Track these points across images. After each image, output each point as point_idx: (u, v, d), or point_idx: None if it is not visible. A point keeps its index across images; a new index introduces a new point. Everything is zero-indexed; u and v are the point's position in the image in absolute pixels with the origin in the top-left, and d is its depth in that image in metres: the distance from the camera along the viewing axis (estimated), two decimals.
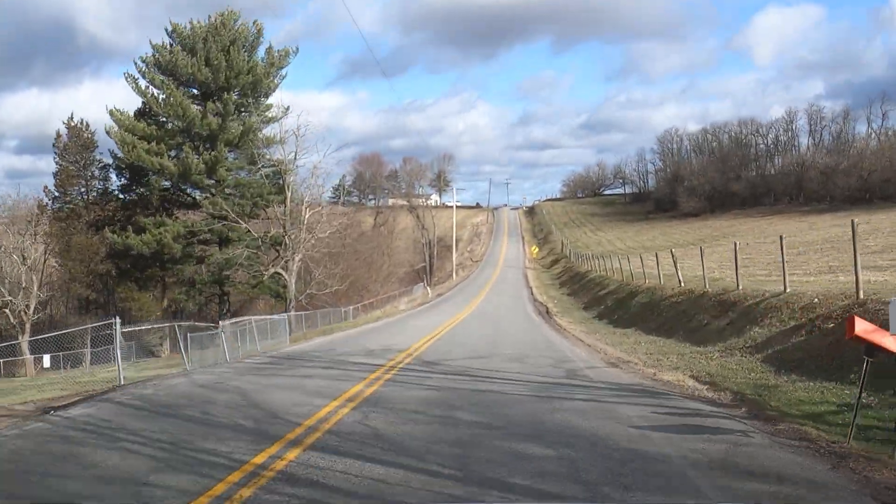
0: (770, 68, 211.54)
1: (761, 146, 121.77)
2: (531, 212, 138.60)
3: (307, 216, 39.37)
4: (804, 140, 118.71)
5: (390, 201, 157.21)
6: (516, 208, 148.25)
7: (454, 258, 69.00)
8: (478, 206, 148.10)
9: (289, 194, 39.36)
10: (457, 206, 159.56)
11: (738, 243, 21.98)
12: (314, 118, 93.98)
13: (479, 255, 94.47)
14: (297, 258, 38.55)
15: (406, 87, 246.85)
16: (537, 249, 78.99)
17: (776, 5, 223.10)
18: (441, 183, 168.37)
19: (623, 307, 29.11)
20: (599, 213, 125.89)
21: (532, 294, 46.22)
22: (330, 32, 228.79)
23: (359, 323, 32.50)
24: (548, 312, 33.30)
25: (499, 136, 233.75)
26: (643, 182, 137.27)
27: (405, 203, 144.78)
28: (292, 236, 38.20)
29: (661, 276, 28.90)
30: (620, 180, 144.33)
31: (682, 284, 24.97)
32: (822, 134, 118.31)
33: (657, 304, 24.44)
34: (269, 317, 24.19)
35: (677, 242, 71.88)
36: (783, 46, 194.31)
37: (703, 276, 22.88)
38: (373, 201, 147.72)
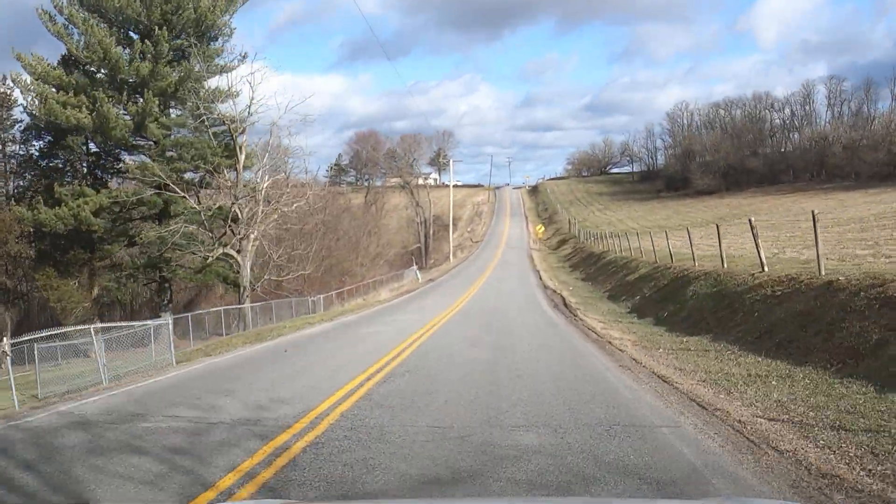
0: (773, 50, 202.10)
1: (777, 121, 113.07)
2: (534, 191, 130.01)
3: (266, 185, 31.12)
4: (822, 115, 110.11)
5: (390, 181, 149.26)
6: (519, 188, 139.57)
7: (451, 238, 60.82)
8: (479, 185, 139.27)
9: (241, 157, 31.06)
10: (457, 186, 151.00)
11: (814, 217, 13.56)
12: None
13: (480, 235, 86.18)
14: (252, 236, 30.29)
15: (408, 69, 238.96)
16: (543, 229, 70.60)
17: None
18: (440, 161, 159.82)
19: (672, 299, 20.80)
20: (606, 191, 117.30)
21: (541, 279, 37.94)
22: (331, 15, 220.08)
23: (312, 321, 24.17)
24: (565, 304, 25.02)
25: (501, 117, 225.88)
26: (652, 160, 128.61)
27: (400, 181, 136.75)
28: (246, 210, 29.94)
29: (724, 257, 20.59)
30: (628, 158, 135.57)
31: (765, 269, 16.73)
32: (841, 108, 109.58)
33: (737, 299, 16.11)
34: (132, 324, 15.83)
35: (695, 221, 63.65)
36: (787, 28, 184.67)
37: (792, 259, 14.77)
38: (370, 181, 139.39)
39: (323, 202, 45.33)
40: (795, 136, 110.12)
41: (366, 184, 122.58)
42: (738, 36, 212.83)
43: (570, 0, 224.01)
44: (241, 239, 29.69)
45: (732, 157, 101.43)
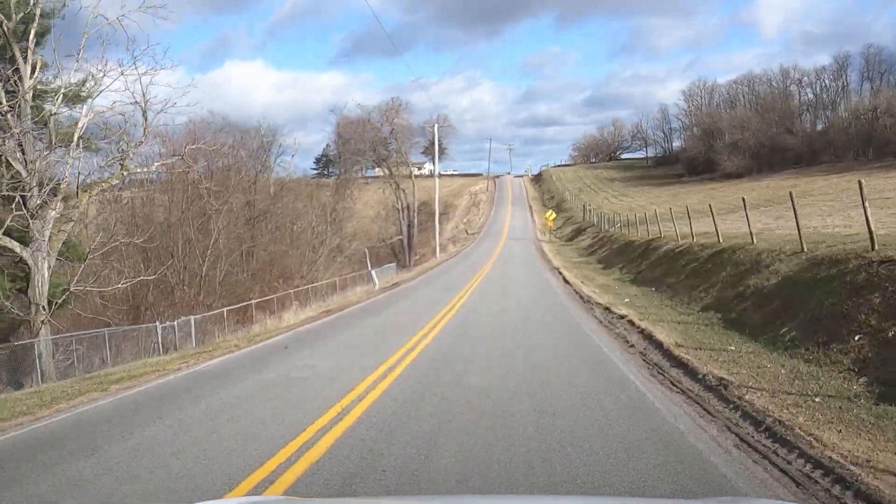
0: (776, 42, 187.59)
1: (807, 96, 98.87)
2: (538, 179, 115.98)
3: (84, 121, 17.36)
4: (857, 88, 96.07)
5: (376, 170, 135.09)
6: (521, 176, 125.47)
7: (438, 228, 47.02)
8: (477, 175, 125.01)
9: (26, 65, 17.33)
10: (454, 175, 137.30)
11: None
12: None
13: (478, 225, 72.31)
14: (51, 214, 16.43)
15: (409, 65, 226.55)
16: (553, 216, 56.52)
17: None
18: (435, 149, 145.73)
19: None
20: (619, 177, 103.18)
21: (566, 282, 24.25)
22: (331, 11, 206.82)
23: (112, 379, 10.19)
24: (665, 352, 10.97)
25: (502, 112, 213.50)
26: (667, 142, 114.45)
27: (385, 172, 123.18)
28: (39, 162, 16.16)
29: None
30: (640, 142, 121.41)
31: None
32: (881, 80, 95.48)
33: None
34: None
35: (736, 205, 50.02)
36: (789, 19, 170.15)
37: None
38: (343, 168, 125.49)
39: (249, 180, 31.89)
40: (829, 112, 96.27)
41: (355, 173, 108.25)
42: (739, 28, 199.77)
43: None
44: (34, 217, 15.81)
45: (763, 135, 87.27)
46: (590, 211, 60.91)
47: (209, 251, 24.62)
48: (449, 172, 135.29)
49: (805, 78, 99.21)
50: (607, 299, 17.36)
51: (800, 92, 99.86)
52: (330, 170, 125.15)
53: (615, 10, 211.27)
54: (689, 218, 25.28)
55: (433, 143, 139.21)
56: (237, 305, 24.24)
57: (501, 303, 18.57)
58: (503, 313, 16.12)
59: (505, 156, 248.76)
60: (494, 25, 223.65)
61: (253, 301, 24.33)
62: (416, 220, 53.75)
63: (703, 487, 4.72)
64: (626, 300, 17.56)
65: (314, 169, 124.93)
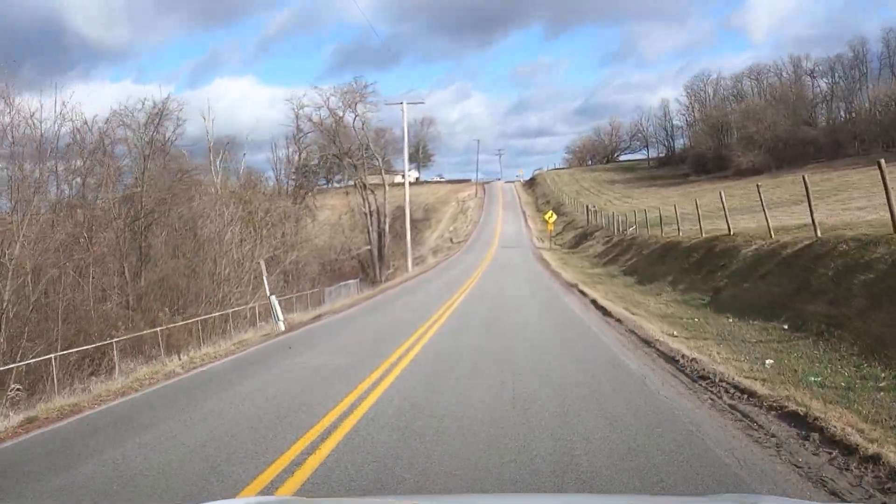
0: (766, 46, 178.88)
1: (820, 86, 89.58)
2: (532, 183, 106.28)
3: None
4: (876, 75, 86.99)
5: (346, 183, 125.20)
6: (512, 181, 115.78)
7: (409, 237, 36.85)
8: (465, 181, 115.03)
9: None
10: (440, 181, 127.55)
11: None
12: None
13: (464, 234, 62.38)
14: None
15: (399, 78, 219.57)
16: (554, 217, 46.26)
17: None
18: (421, 156, 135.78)
19: None
20: (619, 179, 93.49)
21: (606, 312, 14.31)
22: (320, 25, 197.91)
23: None
24: None
25: (492, 123, 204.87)
26: (669, 140, 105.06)
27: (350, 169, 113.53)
28: None
29: None
30: (640, 142, 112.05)
31: None
32: None
33: None
34: None
35: (767, 202, 40.52)
36: (780, 23, 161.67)
37: None
38: (340, 182, 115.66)
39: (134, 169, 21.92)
40: (842, 103, 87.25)
41: (336, 185, 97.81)
42: (730, 33, 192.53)
43: (563, 2, 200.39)
44: None
45: (779, 128, 77.90)
46: (595, 213, 51.18)
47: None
48: (436, 179, 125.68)
49: (818, 67, 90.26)
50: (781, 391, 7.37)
51: (813, 82, 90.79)
52: (313, 181, 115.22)
53: (605, 17, 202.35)
54: (726, 214, 18.44)
55: (418, 149, 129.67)
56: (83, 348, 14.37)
57: (495, 371, 8.61)
58: (500, 432, 6.15)
59: (495, 166, 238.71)
60: (484, 36, 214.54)
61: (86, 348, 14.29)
62: (386, 228, 43.76)
63: None
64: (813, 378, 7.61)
65: (293, 180, 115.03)
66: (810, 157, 75.29)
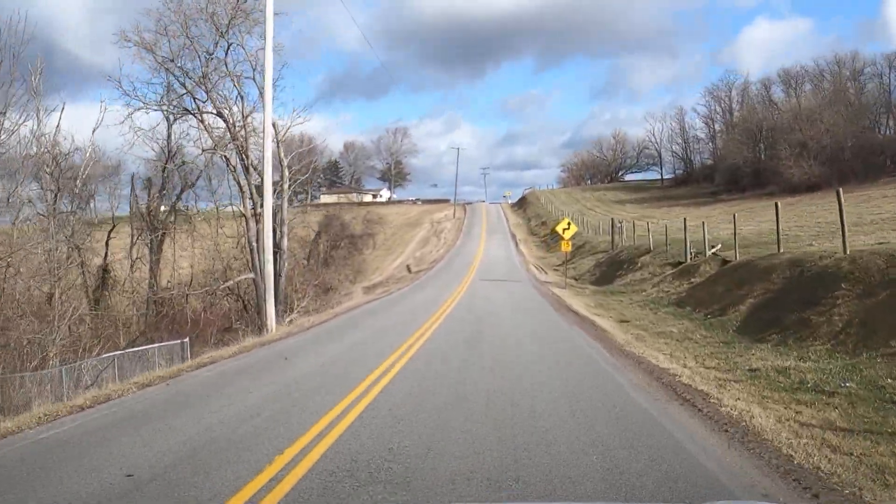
0: (757, 82, 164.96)
1: (869, 89, 72.49)
2: (522, 203, 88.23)
3: None
4: None
5: (322, 198, 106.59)
6: (498, 202, 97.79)
7: (260, 256, 18.38)
8: (444, 201, 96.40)
9: None
10: (414, 201, 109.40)
11: None
12: None
13: (431, 260, 44.01)
14: None
15: (388, 107, 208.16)
16: (573, 229, 26.61)
17: (765, 17, 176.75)
18: (393, 172, 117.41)
19: None
20: (628, 199, 75.72)
21: None
22: (310, 54, 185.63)
23: None
24: None
25: (480, 155, 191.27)
26: (686, 154, 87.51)
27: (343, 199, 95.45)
28: None
29: None
30: (648, 159, 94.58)
31: None
32: None
33: None
34: None
35: (853, 224, 24.06)
36: (770, 59, 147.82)
37: None
38: (303, 197, 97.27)
39: None
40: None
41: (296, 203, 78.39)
42: (720, 69, 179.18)
43: (555, 35, 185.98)
44: None
45: (842, 134, 60.59)
46: (621, 231, 33.03)
47: None
48: (410, 199, 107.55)
49: (867, 68, 73.51)
50: None
51: (858, 85, 73.88)
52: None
53: (595, 50, 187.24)
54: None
55: (391, 168, 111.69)
56: None
57: None
58: None
59: (480, 196, 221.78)
60: (476, 66, 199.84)
61: None
62: (285, 245, 25.05)
63: None
64: None
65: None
66: (882, 168, 58.02)
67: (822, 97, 68.15)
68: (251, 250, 24.74)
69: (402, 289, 26.17)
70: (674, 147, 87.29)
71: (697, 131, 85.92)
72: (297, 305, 27.02)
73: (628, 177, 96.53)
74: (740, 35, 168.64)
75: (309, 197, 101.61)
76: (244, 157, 24.85)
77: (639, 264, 24.09)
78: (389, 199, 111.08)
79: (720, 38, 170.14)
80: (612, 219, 36.61)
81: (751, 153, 67.43)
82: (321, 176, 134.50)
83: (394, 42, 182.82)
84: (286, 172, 25.82)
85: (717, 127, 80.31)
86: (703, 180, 77.93)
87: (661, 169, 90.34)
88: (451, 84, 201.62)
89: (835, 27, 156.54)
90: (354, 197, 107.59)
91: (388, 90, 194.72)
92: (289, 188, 26.54)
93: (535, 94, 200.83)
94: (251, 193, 24.53)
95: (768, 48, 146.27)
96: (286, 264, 25.42)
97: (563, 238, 24.99)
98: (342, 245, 35.45)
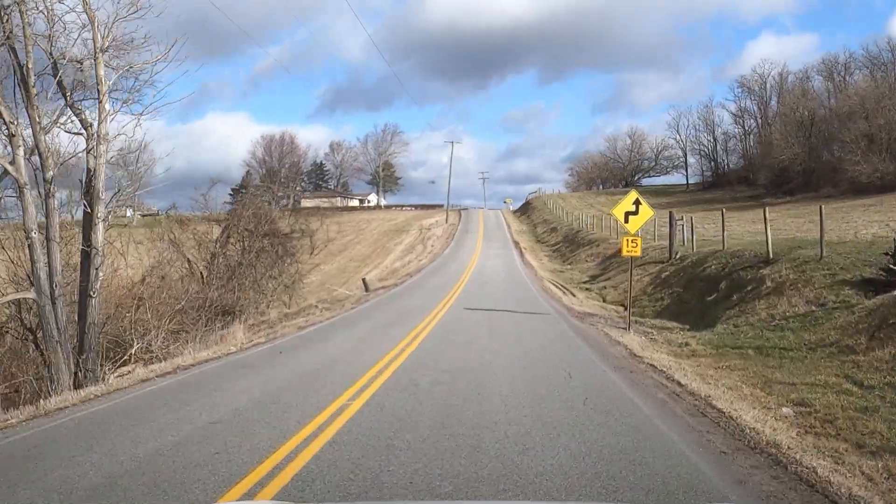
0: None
1: None
2: (525, 209, 76.61)
3: None
4: None
5: (303, 203, 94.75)
6: (498, 208, 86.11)
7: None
8: (437, 206, 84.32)
9: None
10: (403, 207, 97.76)
11: None
12: None
13: (405, 273, 32.43)
14: None
15: (390, 118, 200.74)
16: (649, 214, 15.15)
17: (771, 32, 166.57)
18: (380, 176, 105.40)
19: None
20: (653, 203, 63.80)
21: None
22: (313, 64, 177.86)
23: None
24: None
25: (481, 168, 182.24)
26: (713, 155, 75.91)
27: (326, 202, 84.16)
28: None
29: None
30: (668, 162, 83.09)
31: None
32: None
33: None
34: None
35: None
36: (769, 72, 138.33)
37: None
38: (286, 202, 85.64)
39: None
40: None
41: (281, 205, 65.27)
42: (722, 85, 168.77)
43: (559, 49, 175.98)
44: None
45: None
46: (683, 232, 21.67)
47: None
48: (400, 205, 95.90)
49: None
50: None
51: None
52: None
53: (599, 65, 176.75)
54: None
55: (380, 171, 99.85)
56: None
57: None
58: None
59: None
60: (480, 80, 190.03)
61: None
62: (101, 249, 13.43)
63: None
64: None
65: (228, 203, 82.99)
66: None
67: (879, 85, 56.46)
68: (30, 246, 13.03)
69: (304, 329, 14.20)
70: (700, 146, 75.60)
71: (728, 127, 74.48)
72: (145, 347, 15.31)
73: (645, 181, 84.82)
74: (745, 50, 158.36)
75: (291, 202, 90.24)
76: None
77: (768, 284, 12.41)
78: (378, 204, 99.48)
79: (724, 54, 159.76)
80: (671, 212, 24.98)
81: (802, 149, 55.87)
82: (304, 179, 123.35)
83: (395, 55, 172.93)
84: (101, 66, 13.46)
85: (751, 122, 68.77)
86: (736, 182, 66.28)
87: (687, 170, 78.66)
88: (453, 96, 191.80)
89: (839, 43, 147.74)
90: (339, 201, 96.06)
91: (391, 102, 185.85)
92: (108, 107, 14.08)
93: (539, 106, 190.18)
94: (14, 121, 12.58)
95: (773, 63, 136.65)
96: (101, 273, 13.60)
97: (633, 243, 13.34)
98: (267, 248, 23.76)
